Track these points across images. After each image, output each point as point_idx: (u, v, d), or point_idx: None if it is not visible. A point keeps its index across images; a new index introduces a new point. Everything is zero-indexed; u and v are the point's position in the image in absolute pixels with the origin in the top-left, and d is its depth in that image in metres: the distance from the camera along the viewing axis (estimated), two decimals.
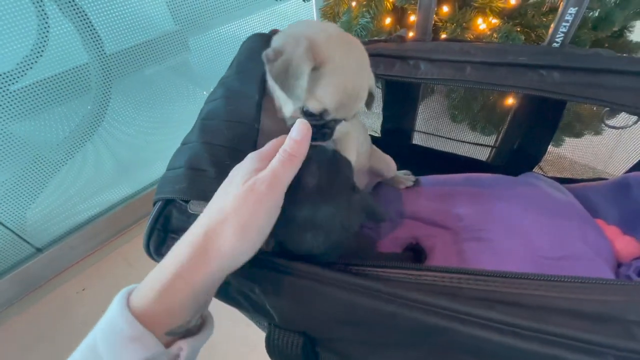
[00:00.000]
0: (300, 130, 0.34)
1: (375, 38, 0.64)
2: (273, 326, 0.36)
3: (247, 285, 0.35)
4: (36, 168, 1.10)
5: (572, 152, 1.01)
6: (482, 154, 0.90)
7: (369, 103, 0.47)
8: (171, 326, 0.29)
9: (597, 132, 0.98)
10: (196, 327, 0.32)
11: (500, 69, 0.51)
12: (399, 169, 0.72)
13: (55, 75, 1.02)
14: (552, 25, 0.56)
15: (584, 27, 0.83)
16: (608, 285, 0.28)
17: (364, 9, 0.95)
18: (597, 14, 0.85)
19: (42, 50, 0.98)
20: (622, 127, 0.61)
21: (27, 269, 1.19)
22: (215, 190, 0.33)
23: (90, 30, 1.02)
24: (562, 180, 0.68)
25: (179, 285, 0.28)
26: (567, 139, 1.00)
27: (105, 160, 1.28)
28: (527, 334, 0.27)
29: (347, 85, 0.40)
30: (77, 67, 1.05)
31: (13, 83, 0.96)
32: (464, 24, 0.86)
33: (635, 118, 0.56)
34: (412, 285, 0.31)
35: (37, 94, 1.00)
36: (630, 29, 0.91)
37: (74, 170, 1.21)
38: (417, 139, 0.90)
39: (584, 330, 0.26)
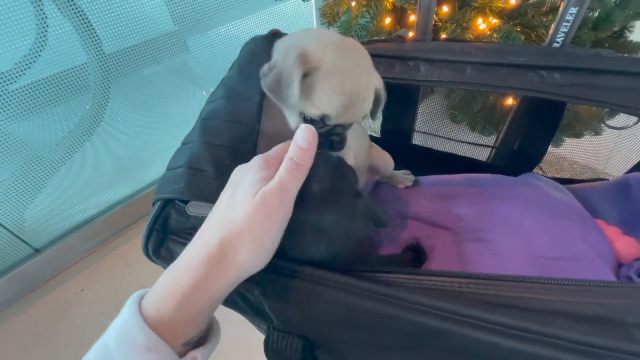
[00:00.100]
0: (306, 136, 0.32)
1: (375, 38, 0.64)
2: (272, 329, 0.36)
3: (245, 287, 0.34)
4: (34, 168, 1.10)
5: (571, 152, 1.00)
6: (482, 154, 0.90)
7: (374, 109, 0.46)
8: (188, 336, 0.29)
9: (597, 133, 0.98)
10: (206, 334, 0.32)
11: (501, 70, 0.50)
12: (398, 169, 0.72)
13: (54, 75, 1.02)
14: (553, 25, 0.56)
15: (584, 27, 0.83)
16: (608, 288, 0.28)
17: (363, 9, 0.95)
18: (597, 14, 0.85)
19: (41, 50, 0.98)
20: (622, 128, 0.61)
21: (25, 270, 1.18)
22: (214, 190, 0.33)
23: (89, 30, 1.02)
24: (562, 181, 0.68)
25: (199, 294, 0.28)
26: (567, 139, 1.00)
27: (104, 160, 1.28)
28: (529, 337, 0.27)
29: (345, 85, 0.39)
30: (75, 67, 1.05)
31: (11, 83, 0.95)
32: (464, 24, 0.86)
33: (635, 119, 0.56)
34: (412, 289, 0.31)
35: (36, 94, 1.00)
36: (630, 29, 0.91)
37: (72, 171, 1.20)
38: (417, 139, 0.90)
39: (586, 333, 0.26)
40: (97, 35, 1.04)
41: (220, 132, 0.44)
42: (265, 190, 0.30)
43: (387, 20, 1.00)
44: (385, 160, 0.66)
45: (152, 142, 1.37)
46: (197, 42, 1.32)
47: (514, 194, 0.62)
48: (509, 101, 0.95)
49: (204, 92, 1.46)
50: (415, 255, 0.58)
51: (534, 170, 0.74)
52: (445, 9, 0.90)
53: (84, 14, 1.00)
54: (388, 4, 0.95)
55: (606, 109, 0.51)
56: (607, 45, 0.90)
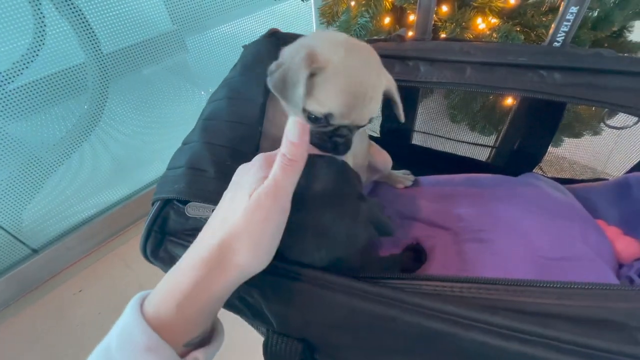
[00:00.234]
0: (296, 131, 0.31)
1: (375, 37, 0.64)
2: (271, 332, 0.35)
3: (245, 289, 0.34)
4: (32, 168, 1.10)
5: (571, 152, 1.00)
6: (482, 155, 0.90)
7: (397, 111, 0.46)
8: (189, 337, 0.29)
9: (596, 133, 0.98)
10: (209, 336, 0.32)
11: (501, 70, 0.50)
12: (398, 169, 0.72)
13: (52, 74, 1.01)
14: (553, 25, 0.56)
15: (583, 27, 0.83)
16: (611, 291, 0.28)
17: (362, 9, 0.95)
18: (596, 14, 0.85)
19: (39, 50, 0.97)
20: (622, 128, 0.61)
21: (23, 271, 1.18)
22: (214, 190, 0.33)
23: (87, 29, 1.02)
24: (562, 181, 0.68)
25: (198, 297, 0.28)
26: (567, 139, 1.00)
27: (103, 160, 1.28)
28: (531, 339, 0.26)
29: (350, 84, 0.39)
30: (73, 67, 1.05)
31: (9, 82, 0.95)
32: (464, 23, 0.86)
33: (635, 118, 0.56)
34: (413, 294, 0.31)
35: (34, 94, 1.00)
36: (630, 29, 0.91)
37: (70, 171, 1.20)
38: (417, 139, 0.90)
39: (589, 336, 0.26)
40: (95, 35, 1.04)
41: (221, 133, 0.43)
42: (259, 191, 0.29)
43: (387, 20, 0.99)
44: (383, 158, 0.66)
45: (151, 142, 1.37)
46: (195, 42, 1.32)
47: (514, 194, 0.62)
48: (509, 101, 0.95)
49: (202, 92, 1.46)
50: (415, 255, 0.58)
51: (534, 170, 0.74)
52: (444, 8, 0.90)
53: (82, 14, 0.99)
54: (387, 4, 0.95)
55: (606, 109, 0.51)
56: (606, 45, 0.90)
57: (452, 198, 0.65)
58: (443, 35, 0.88)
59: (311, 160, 0.36)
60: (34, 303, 1.20)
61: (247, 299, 0.35)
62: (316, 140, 0.42)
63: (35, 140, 1.08)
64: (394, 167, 0.70)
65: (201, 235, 0.31)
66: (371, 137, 0.70)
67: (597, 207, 0.62)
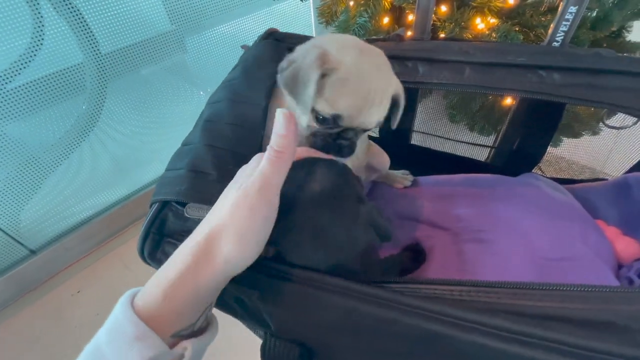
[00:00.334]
0: (283, 123, 0.31)
1: (373, 37, 0.63)
2: (269, 335, 0.35)
3: (242, 292, 0.34)
4: (30, 169, 1.09)
5: (570, 152, 1.00)
6: (481, 155, 0.90)
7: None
8: (176, 328, 0.29)
9: (595, 133, 0.98)
10: (201, 329, 0.32)
11: (500, 71, 0.50)
12: (397, 169, 0.72)
13: (50, 74, 1.01)
14: (552, 25, 0.56)
15: (582, 27, 0.83)
16: (612, 294, 0.28)
17: (361, 8, 0.94)
18: (595, 14, 0.85)
19: (37, 50, 0.97)
20: (621, 128, 0.61)
21: (21, 272, 1.17)
22: (217, 193, 0.33)
23: (85, 29, 1.02)
24: (562, 181, 0.68)
25: (184, 285, 0.28)
26: (565, 139, 1.00)
27: (101, 161, 1.27)
28: (532, 342, 0.26)
29: (360, 87, 0.39)
30: (72, 67, 1.05)
31: (7, 82, 0.95)
32: (463, 23, 0.86)
33: (634, 119, 0.56)
34: (412, 298, 0.30)
35: (32, 94, 0.99)
36: (629, 29, 0.92)
37: (68, 171, 1.20)
38: (416, 139, 0.89)
39: (590, 339, 0.26)
40: (93, 35, 1.03)
41: (224, 136, 0.43)
42: (247, 183, 0.30)
43: (386, 20, 0.99)
44: (382, 159, 0.66)
45: (150, 142, 1.37)
46: (194, 42, 1.32)
47: (513, 194, 0.61)
48: (508, 101, 0.95)
49: (201, 92, 1.45)
50: (414, 256, 0.58)
51: (533, 171, 0.73)
52: (443, 8, 0.90)
53: (80, 14, 0.99)
54: (386, 4, 0.95)
55: (605, 109, 0.51)
56: (605, 45, 0.90)
57: (451, 198, 0.65)
58: (442, 35, 0.88)
59: (311, 161, 0.36)
60: (32, 304, 1.19)
61: (244, 301, 0.35)
62: (320, 142, 0.42)
63: (33, 141, 1.08)
64: (393, 167, 0.70)
65: (193, 233, 0.32)
66: (370, 137, 0.70)
67: (596, 207, 0.61)
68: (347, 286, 0.31)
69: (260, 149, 0.43)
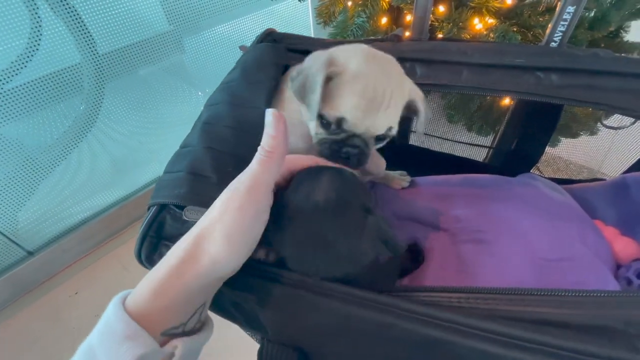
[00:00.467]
0: (272, 123, 0.31)
1: (371, 37, 0.63)
2: (266, 340, 0.35)
3: (239, 296, 0.34)
4: (27, 170, 1.09)
5: (568, 152, 1.01)
6: (479, 155, 0.90)
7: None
8: (166, 326, 0.29)
9: (593, 133, 0.98)
10: (194, 330, 0.32)
11: (497, 72, 0.50)
12: (395, 169, 0.71)
13: (48, 75, 1.01)
14: (550, 25, 0.56)
15: (580, 27, 0.83)
16: (610, 298, 0.28)
17: (359, 9, 0.94)
18: (593, 14, 0.85)
19: (34, 51, 0.97)
20: (619, 128, 0.61)
21: (18, 273, 1.17)
22: (216, 196, 0.33)
23: (83, 30, 1.01)
24: (560, 181, 0.68)
25: (172, 284, 0.29)
26: (563, 140, 1.00)
27: (99, 161, 1.27)
28: (530, 347, 0.26)
29: (365, 89, 0.39)
30: (69, 67, 1.04)
31: (5, 83, 0.94)
32: (461, 23, 0.86)
33: (632, 119, 0.56)
34: (411, 301, 0.30)
35: (29, 95, 0.99)
36: (626, 29, 0.92)
37: (66, 172, 1.19)
38: (414, 140, 0.89)
39: (587, 343, 0.26)
40: (91, 36, 1.03)
41: (223, 138, 0.43)
42: (236, 182, 0.30)
43: (384, 20, 0.99)
44: (378, 161, 0.66)
45: (148, 142, 1.37)
46: (193, 43, 1.31)
47: (511, 195, 0.61)
48: (506, 101, 0.95)
49: (200, 93, 1.45)
50: (413, 256, 0.58)
51: (531, 171, 0.73)
52: (441, 8, 0.90)
53: (78, 14, 0.99)
54: (384, 4, 0.95)
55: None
56: (603, 45, 0.91)
57: (450, 198, 0.65)
58: (440, 36, 0.88)
59: (317, 170, 0.36)
60: (29, 305, 1.19)
61: (242, 306, 0.35)
62: (327, 151, 0.42)
63: (30, 142, 1.08)
64: (391, 168, 0.69)
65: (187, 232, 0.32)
66: None
67: (594, 208, 0.61)
68: (345, 291, 0.31)
69: None
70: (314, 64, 0.40)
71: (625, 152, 0.70)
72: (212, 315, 0.35)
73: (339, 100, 0.39)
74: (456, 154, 0.86)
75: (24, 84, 0.98)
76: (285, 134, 0.32)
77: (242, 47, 0.60)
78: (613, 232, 0.56)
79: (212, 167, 0.40)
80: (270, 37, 0.60)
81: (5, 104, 0.96)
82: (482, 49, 0.53)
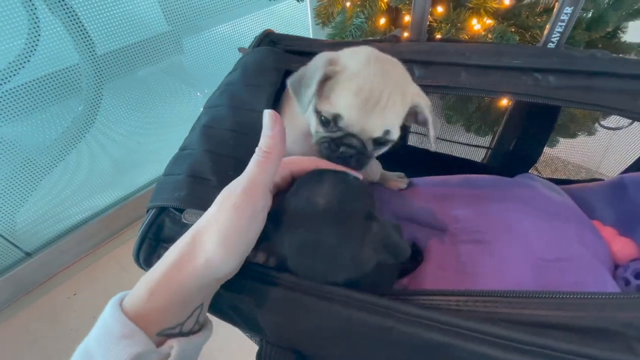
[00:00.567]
0: (269, 123, 0.31)
1: (370, 38, 0.63)
2: (265, 342, 0.35)
3: (237, 299, 0.34)
4: (26, 171, 1.09)
5: (566, 152, 1.01)
6: (478, 155, 0.90)
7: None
8: (162, 326, 0.29)
9: (591, 133, 0.98)
10: (192, 332, 0.32)
11: (495, 73, 0.50)
12: (393, 170, 0.72)
13: (45, 75, 1.01)
14: (548, 26, 0.56)
15: (578, 27, 0.83)
16: (608, 300, 0.28)
17: (358, 9, 0.94)
18: (590, 15, 0.85)
19: (33, 51, 0.97)
20: (616, 128, 0.61)
21: (16, 274, 1.17)
22: None
23: (81, 30, 1.01)
24: (558, 181, 0.68)
25: (168, 284, 0.29)
26: (561, 140, 1.01)
27: (98, 162, 1.27)
28: (530, 350, 0.26)
29: (362, 88, 0.39)
30: (67, 68, 1.04)
31: (3, 84, 0.94)
32: (459, 24, 0.86)
33: (630, 120, 0.56)
34: (411, 304, 0.30)
35: (27, 96, 0.99)
36: (624, 29, 0.92)
37: (64, 173, 1.19)
38: (412, 140, 0.90)
39: (587, 346, 0.26)
40: (89, 36, 1.03)
41: (224, 141, 0.43)
42: (233, 182, 0.31)
43: (382, 21, 0.99)
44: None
45: (147, 143, 1.36)
46: (191, 43, 1.31)
47: (510, 195, 0.62)
48: (504, 102, 0.95)
49: (198, 94, 1.45)
50: (412, 256, 0.58)
51: (529, 171, 0.74)
52: (439, 9, 0.90)
53: (76, 15, 0.99)
54: (383, 4, 0.95)
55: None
56: (600, 45, 0.91)
57: (448, 199, 0.65)
58: (438, 36, 0.88)
59: (320, 174, 0.35)
60: (27, 307, 1.19)
61: (240, 308, 0.35)
62: (325, 150, 0.41)
63: (28, 142, 1.08)
64: (390, 169, 0.70)
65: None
66: None
67: (592, 208, 0.62)
68: (346, 294, 0.31)
69: None
70: (317, 62, 0.41)
71: (623, 152, 0.71)
72: (211, 317, 0.35)
73: (334, 97, 0.40)
74: (454, 154, 0.86)
75: (22, 85, 0.97)
76: (282, 135, 0.32)
77: (241, 49, 0.60)
78: (611, 232, 0.56)
79: (212, 170, 0.40)
80: (268, 38, 0.60)
81: (3, 105, 0.96)
82: (480, 50, 0.54)
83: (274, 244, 0.33)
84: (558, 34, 0.55)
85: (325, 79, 0.40)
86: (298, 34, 0.63)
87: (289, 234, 0.32)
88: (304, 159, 0.38)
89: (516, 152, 0.75)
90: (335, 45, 0.58)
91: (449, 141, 0.93)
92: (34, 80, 0.99)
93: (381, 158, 0.66)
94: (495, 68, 0.50)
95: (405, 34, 0.66)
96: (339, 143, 0.40)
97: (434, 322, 0.28)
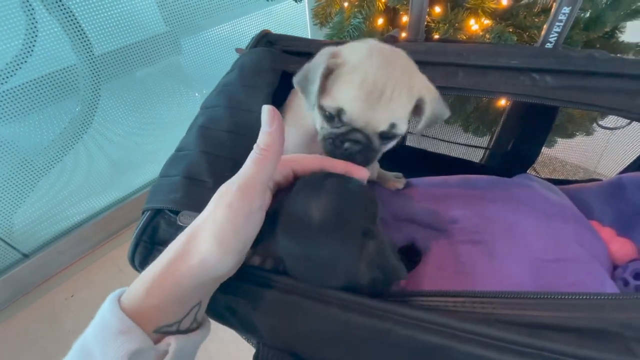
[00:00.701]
0: (267, 119, 0.30)
1: (368, 38, 0.63)
2: (262, 345, 0.35)
3: (233, 301, 0.34)
4: (23, 172, 1.08)
5: (564, 153, 1.01)
6: (476, 156, 0.90)
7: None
8: (159, 323, 0.29)
9: (589, 133, 0.98)
10: (190, 330, 0.31)
11: (493, 74, 0.50)
12: (391, 170, 0.71)
13: (43, 76, 1.00)
14: (546, 26, 0.56)
15: (575, 27, 0.83)
16: (606, 301, 0.28)
17: (356, 10, 0.94)
18: (588, 15, 0.85)
19: (30, 52, 0.96)
20: (614, 128, 0.61)
21: (13, 276, 1.16)
22: None
23: (78, 31, 1.01)
24: (556, 182, 0.68)
25: (164, 282, 0.29)
26: (559, 140, 1.01)
27: (95, 163, 1.27)
28: (527, 351, 0.26)
29: (365, 80, 0.37)
30: (64, 69, 1.04)
31: (0, 85, 0.94)
32: (457, 24, 0.86)
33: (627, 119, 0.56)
34: (408, 306, 0.30)
35: (24, 96, 0.99)
36: (622, 29, 0.92)
37: (62, 174, 1.19)
38: (410, 141, 0.89)
39: (584, 347, 0.25)
40: (86, 37, 1.03)
41: (220, 142, 0.43)
42: (229, 181, 0.30)
43: (380, 21, 0.99)
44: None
45: (144, 143, 1.36)
46: (189, 44, 1.31)
47: (508, 196, 0.61)
48: (502, 102, 0.95)
49: (197, 94, 1.45)
50: (410, 256, 0.58)
51: (527, 171, 0.74)
52: (437, 9, 0.90)
53: (73, 15, 0.99)
54: (380, 5, 0.95)
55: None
56: (598, 45, 0.91)
57: (446, 199, 0.65)
58: (436, 36, 0.88)
59: (320, 179, 0.34)
60: (25, 308, 1.18)
61: (236, 311, 0.34)
62: (329, 146, 0.40)
63: (25, 143, 1.07)
64: (388, 169, 0.69)
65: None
66: None
67: (590, 208, 0.62)
68: (343, 297, 0.31)
69: None
70: (319, 56, 0.40)
71: (621, 152, 0.71)
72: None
73: (337, 91, 0.39)
74: (453, 155, 0.86)
75: (20, 86, 0.97)
76: (281, 132, 0.31)
77: (238, 50, 0.60)
78: (609, 233, 0.56)
79: (208, 171, 0.39)
80: (265, 39, 0.60)
81: (0, 106, 0.95)
82: (478, 50, 0.53)
83: (270, 247, 0.33)
84: (556, 34, 0.55)
85: (328, 73, 0.39)
86: (296, 35, 0.63)
87: (284, 241, 0.31)
88: (307, 156, 0.36)
89: (514, 153, 0.75)
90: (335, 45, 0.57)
91: (447, 141, 0.93)
92: (31, 80, 0.99)
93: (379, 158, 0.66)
94: (493, 68, 0.50)
95: (403, 35, 0.66)
96: (344, 139, 0.39)
97: (431, 324, 0.28)
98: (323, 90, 0.40)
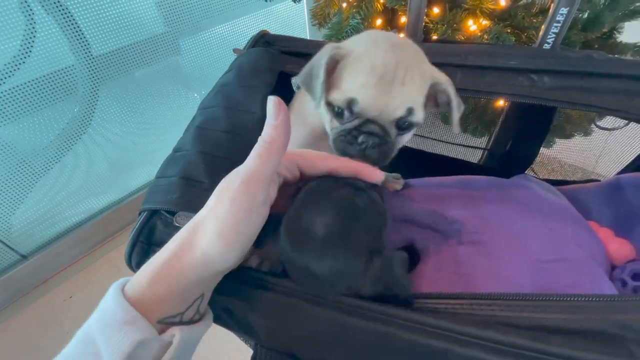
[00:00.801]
0: (273, 111, 0.29)
1: None
2: (259, 346, 0.35)
3: (230, 302, 0.34)
4: (21, 173, 1.08)
5: (562, 153, 1.01)
6: (474, 156, 0.90)
7: (450, 112, 0.40)
8: (162, 314, 0.29)
9: (587, 134, 0.98)
10: (193, 321, 0.31)
11: (491, 74, 0.50)
12: (389, 171, 0.71)
13: (41, 77, 1.00)
14: (544, 26, 0.56)
15: (573, 28, 0.83)
16: (606, 302, 0.28)
17: (354, 10, 0.94)
18: (586, 16, 0.85)
19: (28, 53, 0.96)
20: (613, 129, 0.61)
21: (11, 277, 1.16)
22: None
23: (77, 31, 1.01)
24: (554, 182, 0.68)
25: (167, 273, 0.29)
26: (558, 140, 1.01)
27: (93, 164, 1.26)
28: (527, 354, 0.26)
29: (374, 65, 0.35)
30: (63, 69, 1.04)
31: None
32: (455, 25, 0.86)
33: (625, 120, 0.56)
34: (407, 309, 0.30)
35: (23, 97, 0.98)
36: (620, 30, 0.92)
37: (60, 175, 1.19)
38: (409, 142, 0.89)
39: (584, 350, 0.25)
40: (85, 37, 1.03)
41: (218, 143, 0.43)
42: (232, 174, 0.30)
43: (378, 22, 0.99)
44: None
45: (143, 144, 1.36)
46: (188, 44, 1.31)
47: (506, 196, 0.61)
48: (500, 103, 0.95)
49: (195, 95, 1.45)
50: (409, 257, 0.57)
51: (526, 172, 0.74)
52: (435, 10, 0.90)
53: (72, 16, 0.98)
54: (379, 5, 0.95)
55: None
56: (596, 46, 0.91)
57: (444, 200, 0.64)
58: (434, 37, 0.88)
59: (327, 191, 0.32)
60: (23, 310, 1.18)
61: (234, 312, 0.34)
62: (341, 144, 0.38)
63: (24, 144, 1.07)
64: (385, 170, 0.69)
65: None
66: None
67: (589, 208, 0.62)
68: (340, 300, 0.31)
69: None
70: (321, 52, 0.38)
71: (619, 153, 0.71)
72: None
73: (345, 82, 0.36)
74: (451, 155, 0.86)
75: (18, 86, 0.97)
76: (287, 124, 0.29)
77: (235, 50, 0.60)
78: (607, 233, 0.56)
79: (205, 172, 0.39)
80: (263, 39, 0.60)
81: None
82: (476, 51, 0.53)
83: (272, 251, 0.33)
84: (554, 35, 0.55)
85: (333, 67, 0.38)
86: (295, 35, 0.63)
87: (287, 250, 0.31)
88: (312, 152, 0.34)
89: (512, 153, 0.75)
90: None
91: (446, 142, 0.93)
92: (29, 81, 0.99)
93: None
94: (491, 69, 0.50)
95: (401, 35, 0.65)
96: (357, 133, 0.36)
97: (430, 328, 0.28)
98: (329, 85, 0.38)
